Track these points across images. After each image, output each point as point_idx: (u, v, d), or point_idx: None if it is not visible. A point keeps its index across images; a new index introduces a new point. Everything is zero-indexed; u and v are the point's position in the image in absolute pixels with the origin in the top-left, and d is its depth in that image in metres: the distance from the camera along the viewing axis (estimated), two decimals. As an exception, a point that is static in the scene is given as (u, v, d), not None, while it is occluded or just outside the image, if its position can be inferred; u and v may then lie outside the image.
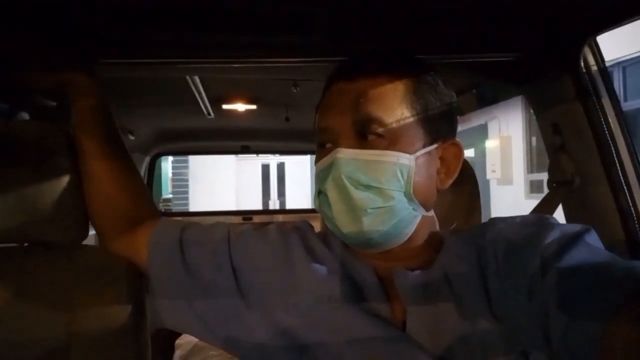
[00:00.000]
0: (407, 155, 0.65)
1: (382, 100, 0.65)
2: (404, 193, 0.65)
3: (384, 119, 0.64)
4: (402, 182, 0.64)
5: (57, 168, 0.78)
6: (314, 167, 0.72)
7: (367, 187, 0.63)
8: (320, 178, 0.67)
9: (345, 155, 0.64)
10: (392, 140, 0.65)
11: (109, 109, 0.83)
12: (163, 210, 5.20)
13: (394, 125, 0.65)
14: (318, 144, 0.70)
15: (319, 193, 0.68)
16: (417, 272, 0.66)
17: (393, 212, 0.64)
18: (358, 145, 0.65)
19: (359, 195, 0.63)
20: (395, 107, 0.65)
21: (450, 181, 0.71)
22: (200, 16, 0.88)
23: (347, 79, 0.68)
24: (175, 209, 10.18)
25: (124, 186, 0.81)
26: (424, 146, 0.67)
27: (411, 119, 0.66)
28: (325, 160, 0.66)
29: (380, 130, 0.64)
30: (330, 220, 0.67)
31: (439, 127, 0.69)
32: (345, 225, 0.64)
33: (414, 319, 0.64)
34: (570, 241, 0.59)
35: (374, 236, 0.65)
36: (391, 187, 0.64)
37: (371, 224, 0.63)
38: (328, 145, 0.68)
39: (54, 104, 1.13)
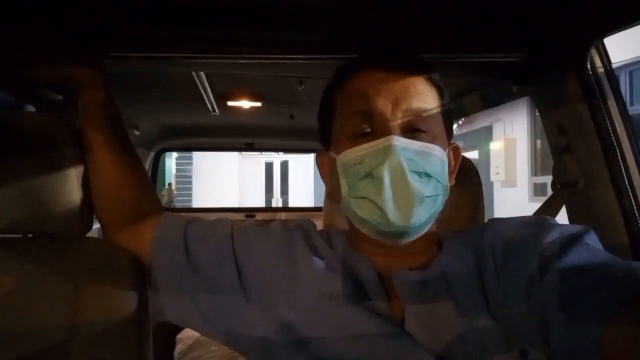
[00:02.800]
0: (444, 152, 0.69)
1: (426, 99, 0.68)
2: (444, 186, 0.68)
3: (429, 116, 0.68)
4: (445, 175, 0.68)
5: (62, 160, 0.78)
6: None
7: (422, 175, 0.65)
8: (368, 163, 0.65)
9: (401, 143, 0.64)
10: (432, 136, 0.68)
11: (115, 103, 0.84)
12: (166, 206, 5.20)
13: (434, 123, 0.69)
14: (352, 129, 0.68)
15: (366, 176, 0.65)
16: (416, 271, 0.67)
17: (435, 203, 0.67)
18: (408, 137, 0.66)
19: (416, 182, 0.64)
20: (434, 107, 0.69)
21: (452, 181, 0.73)
22: (207, 11, 0.88)
23: (389, 70, 0.68)
24: (178, 205, 10.20)
25: (128, 180, 0.81)
26: (447, 146, 0.72)
27: (441, 120, 0.71)
28: (375, 144, 0.65)
29: (425, 126, 0.67)
30: (373, 205, 0.65)
31: (450, 129, 0.73)
32: (394, 211, 0.63)
33: (412, 317, 0.64)
34: (570, 242, 0.60)
35: (416, 225, 0.65)
36: (438, 178, 0.67)
37: (418, 212, 0.64)
38: (367, 130, 0.67)
39: (60, 97, 1.13)
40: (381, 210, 0.64)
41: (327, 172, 0.76)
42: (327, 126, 0.75)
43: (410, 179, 0.63)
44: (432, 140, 0.67)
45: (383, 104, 0.66)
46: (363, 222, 0.67)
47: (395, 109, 0.66)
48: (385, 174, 0.63)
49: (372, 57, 0.71)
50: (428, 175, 0.65)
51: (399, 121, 0.66)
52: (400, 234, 0.65)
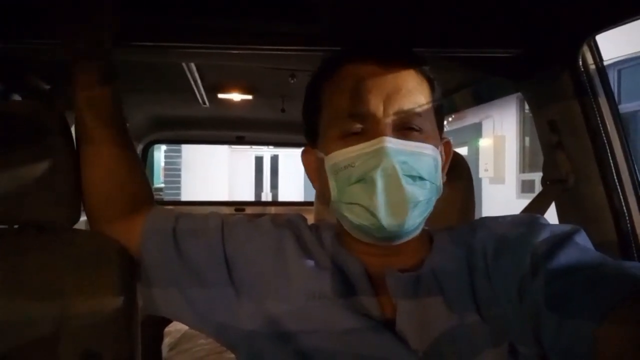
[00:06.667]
0: (437, 149, 0.67)
1: (418, 95, 0.66)
2: (437, 187, 0.67)
3: (422, 113, 0.66)
4: (438, 175, 0.67)
5: (49, 149, 0.76)
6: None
7: (416, 179, 0.63)
8: (360, 166, 0.63)
9: (394, 145, 0.62)
10: (425, 134, 0.66)
11: (118, 95, 0.80)
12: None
13: (426, 120, 0.67)
14: (341, 128, 0.66)
15: (358, 181, 0.63)
16: (407, 272, 0.67)
17: (428, 205, 0.66)
18: (400, 136, 0.64)
19: (410, 186, 0.62)
20: (426, 103, 0.67)
21: (444, 177, 0.72)
22: (199, 1, 0.86)
23: (380, 64, 0.66)
24: (167, 198, 10.13)
25: (125, 174, 0.79)
26: (439, 142, 0.70)
27: (433, 116, 0.69)
28: (366, 146, 0.63)
29: (418, 124, 0.65)
30: (365, 211, 0.63)
31: (442, 124, 0.72)
32: (388, 217, 0.62)
33: (404, 315, 0.64)
34: (561, 241, 0.60)
35: (410, 229, 0.65)
36: (431, 180, 0.65)
37: (412, 217, 0.63)
38: (357, 130, 0.65)
39: (47, 86, 1.11)
40: (374, 216, 0.62)
41: (313, 170, 0.74)
42: (313, 121, 0.72)
43: (404, 183, 0.62)
44: (425, 139, 0.65)
45: (375, 103, 0.64)
46: (355, 227, 0.67)
47: (387, 107, 0.64)
48: (379, 178, 0.61)
49: (362, 50, 0.69)
50: (422, 178, 0.64)
51: (391, 120, 0.64)
52: (393, 237, 0.66)
